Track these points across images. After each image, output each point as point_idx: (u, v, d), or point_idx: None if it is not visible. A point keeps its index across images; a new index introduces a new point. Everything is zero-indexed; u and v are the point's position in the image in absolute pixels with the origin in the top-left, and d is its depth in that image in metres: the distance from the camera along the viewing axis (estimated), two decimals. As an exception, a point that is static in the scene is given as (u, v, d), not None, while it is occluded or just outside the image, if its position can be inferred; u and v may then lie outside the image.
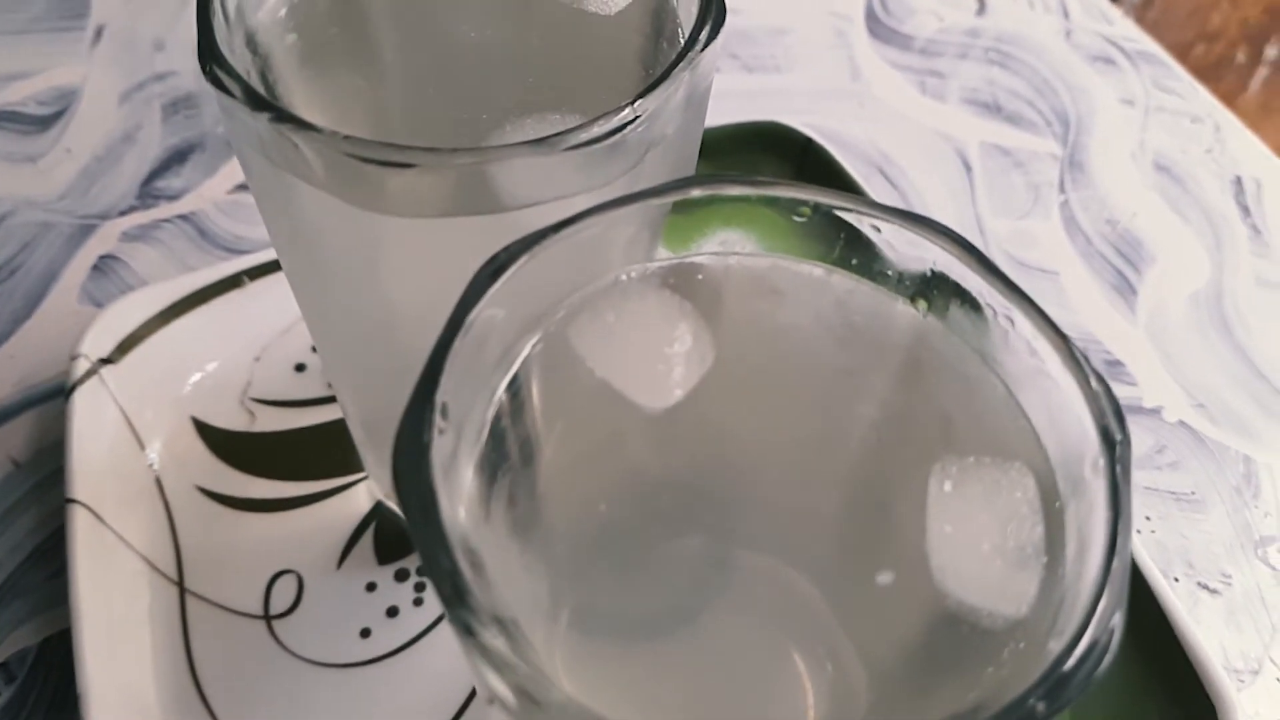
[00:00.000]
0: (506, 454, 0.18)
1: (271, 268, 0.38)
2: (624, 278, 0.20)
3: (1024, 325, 0.17)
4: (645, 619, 0.22)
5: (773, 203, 0.19)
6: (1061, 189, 0.46)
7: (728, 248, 0.20)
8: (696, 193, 0.18)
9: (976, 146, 0.47)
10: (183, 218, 0.43)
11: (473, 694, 0.31)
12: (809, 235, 0.19)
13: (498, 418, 0.18)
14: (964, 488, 0.17)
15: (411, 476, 0.15)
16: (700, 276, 0.20)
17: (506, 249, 0.17)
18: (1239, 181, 0.47)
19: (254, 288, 0.38)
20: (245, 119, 0.20)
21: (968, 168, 0.47)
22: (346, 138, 0.19)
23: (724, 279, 0.20)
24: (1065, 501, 0.17)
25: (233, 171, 0.44)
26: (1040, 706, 0.13)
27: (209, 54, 0.20)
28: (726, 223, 0.20)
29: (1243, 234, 0.45)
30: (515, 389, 0.18)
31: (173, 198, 0.43)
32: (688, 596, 0.22)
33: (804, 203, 0.19)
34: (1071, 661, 0.14)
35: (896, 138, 0.48)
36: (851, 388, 0.20)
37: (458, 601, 0.14)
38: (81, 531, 0.32)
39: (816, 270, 0.20)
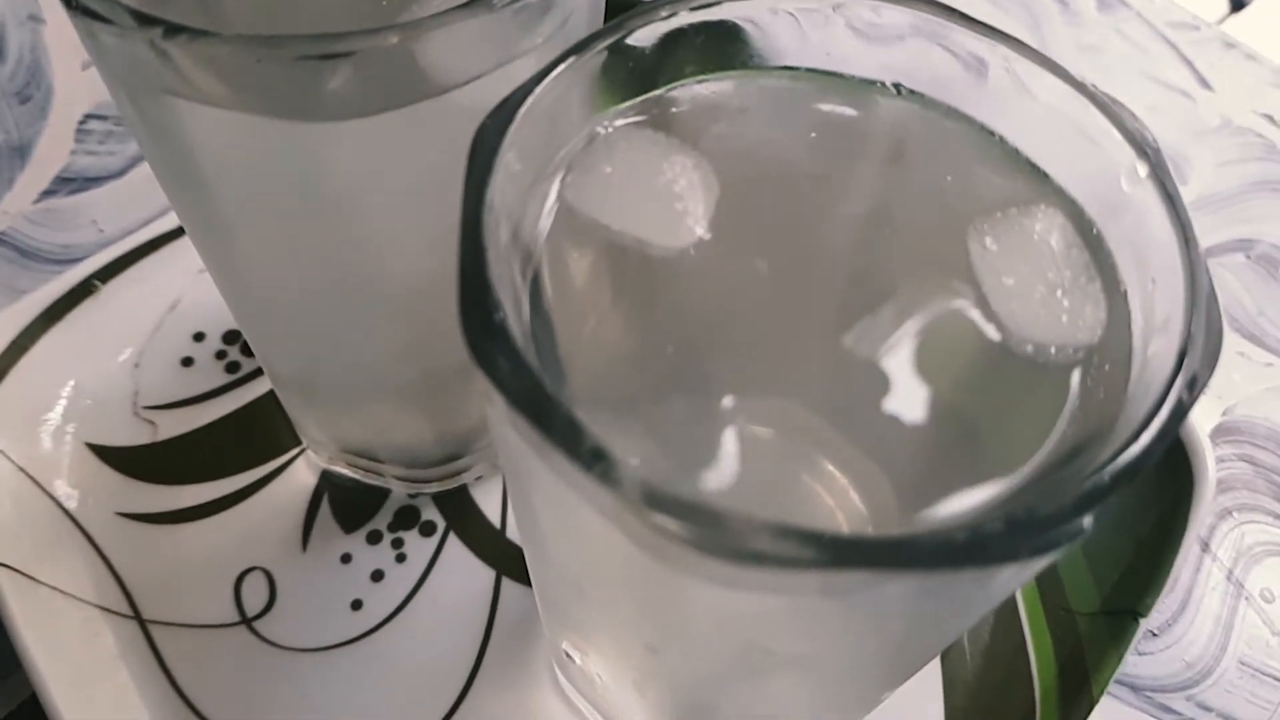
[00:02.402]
0: (541, 332, 0.17)
1: (121, 265, 0.35)
2: (601, 130, 0.18)
3: (1021, 68, 0.17)
4: (676, 474, 0.22)
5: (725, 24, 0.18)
6: (883, 4, 0.47)
7: (685, 77, 0.19)
8: (666, 21, 0.17)
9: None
10: (-8, 241, 0.38)
11: (492, 623, 0.30)
12: (767, 42, 0.19)
13: (528, 298, 0.17)
14: (1002, 240, 0.17)
15: (492, 353, 0.14)
16: (673, 110, 0.19)
17: (494, 114, 0.16)
18: (1035, -39, 0.49)
19: (109, 290, 0.34)
20: (129, 46, 0.17)
21: None
22: (269, 39, 0.17)
23: (694, 108, 0.19)
24: (1101, 225, 0.17)
25: (33, 179, 0.39)
26: (1185, 397, 0.14)
27: (66, -18, 0.17)
28: (681, 53, 0.19)
29: (1054, 9, 0.47)
30: (536, 266, 0.17)
31: (-28, 223, 0.38)
32: (716, 446, 0.21)
33: (759, 9, 0.18)
34: (1197, 349, 0.14)
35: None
36: (849, 187, 0.19)
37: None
38: (12, 593, 0.28)
39: (781, 80, 0.19)
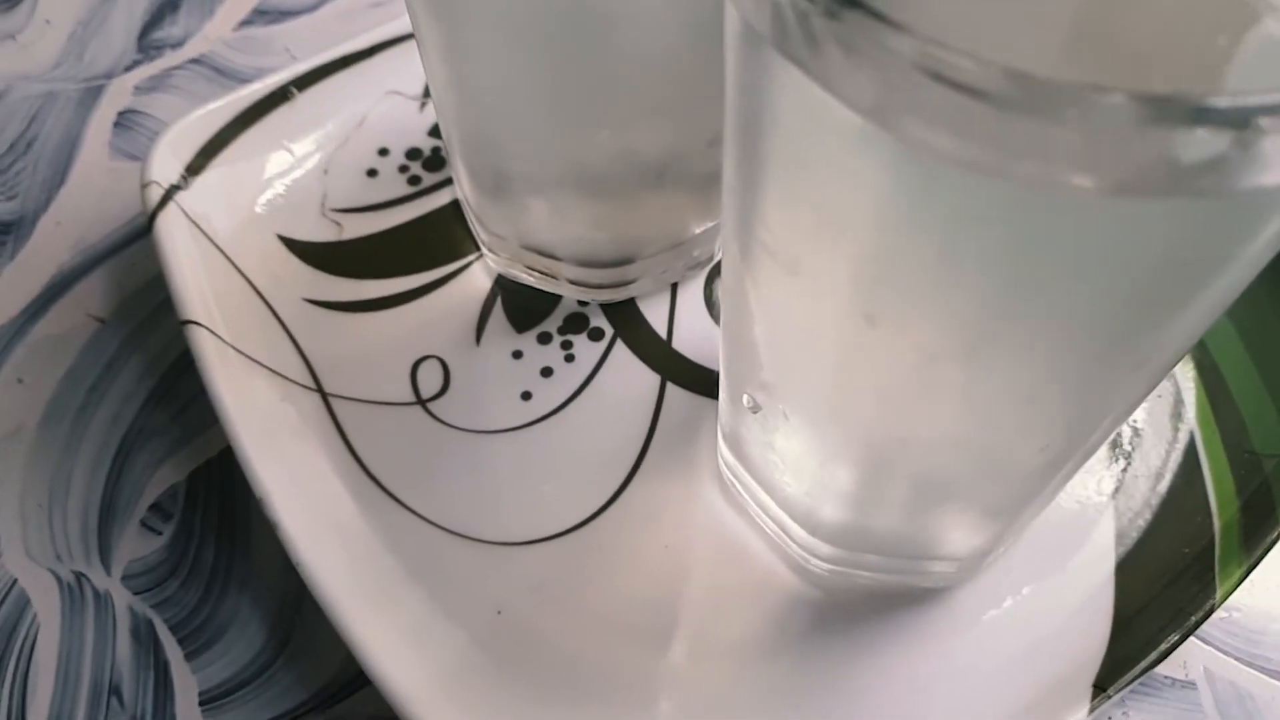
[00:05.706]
0: None
1: (316, 77, 0.36)
2: None
3: None
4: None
5: None
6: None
7: None
8: None
9: None
10: (194, 61, 0.40)
11: (656, 421, 0.30)
12: None
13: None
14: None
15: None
16: None
17: None
18: None
19: (303, 99, 0.36)
20: None
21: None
22: None
23: None
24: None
25: (233, 8, 0.41)
26: None
27: None
28: None
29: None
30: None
31: (176, 45, 0.40)
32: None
33: None
34: None
35: None
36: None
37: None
38: (208, 350, 0.30)
39: None
